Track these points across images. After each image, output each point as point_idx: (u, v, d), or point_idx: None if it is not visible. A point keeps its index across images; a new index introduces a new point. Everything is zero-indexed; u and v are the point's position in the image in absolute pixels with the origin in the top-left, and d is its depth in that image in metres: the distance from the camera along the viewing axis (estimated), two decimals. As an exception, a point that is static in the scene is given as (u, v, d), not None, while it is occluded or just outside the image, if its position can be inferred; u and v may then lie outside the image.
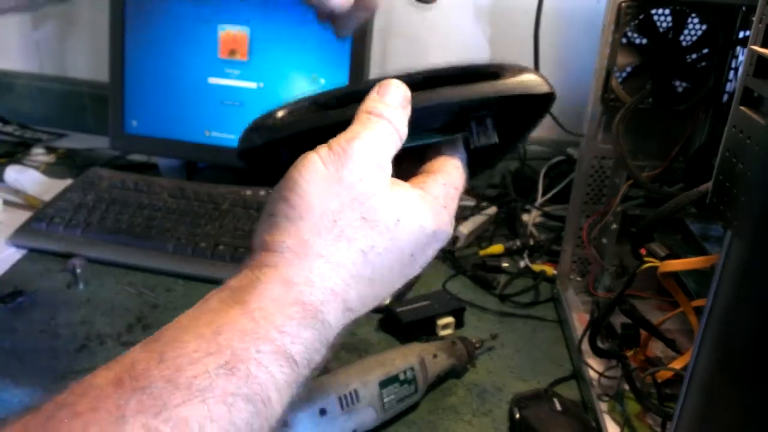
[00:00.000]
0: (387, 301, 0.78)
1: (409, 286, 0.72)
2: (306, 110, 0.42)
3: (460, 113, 0.42)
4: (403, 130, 0.39)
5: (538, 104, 0.43)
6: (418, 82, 0.41)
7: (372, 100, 0.39)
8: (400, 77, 0.41)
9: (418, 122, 0.40)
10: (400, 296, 0.72)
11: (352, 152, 0.36)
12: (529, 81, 0.41)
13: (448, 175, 0.42)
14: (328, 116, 0.40)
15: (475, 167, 0.45)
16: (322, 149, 0.37)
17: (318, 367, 0.35)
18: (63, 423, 0.28)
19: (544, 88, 0.41)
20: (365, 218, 0.36)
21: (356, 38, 0.95)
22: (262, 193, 0.95)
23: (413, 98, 0.40)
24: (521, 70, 0.41)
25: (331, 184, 0.36)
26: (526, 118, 0.44)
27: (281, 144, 0.41)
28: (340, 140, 0.37)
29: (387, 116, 0.38)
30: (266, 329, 0.33)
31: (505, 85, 0.40)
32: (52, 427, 0.28)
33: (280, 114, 0.42)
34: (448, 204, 0.41)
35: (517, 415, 0.62)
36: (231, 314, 0.33)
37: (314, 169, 0.36)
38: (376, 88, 0.40)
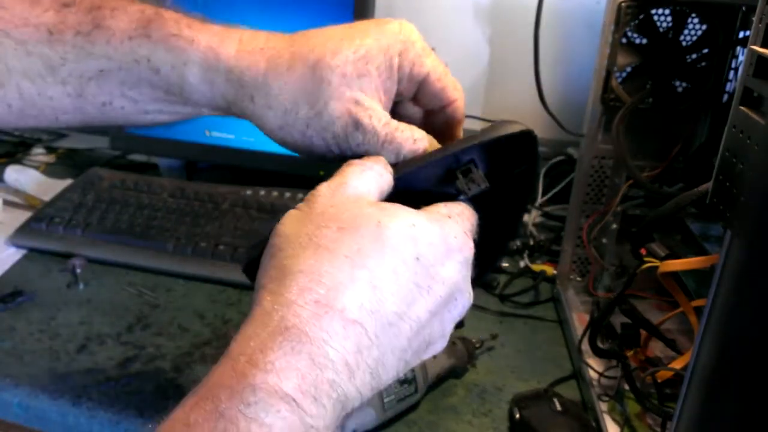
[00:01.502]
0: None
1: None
2: None
3: (446, 175, 0.43)
4: (383, 170, 0.40)
5: (523, 147, 0.44)
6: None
7: (349, 162, 0.40)
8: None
9: (409, 194, 0.41)
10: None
11: (321, 191, 0.37)
12: (501, 127, 0.43)
13: (452, 207, 0.41)
14: None
15: (492, 231, 0.45)
16: (300, 203, 0.38)
17: (341, 397, 0.32)
18: None
19: (515, 128, 0.43)
20: (341, 228, 0.35)
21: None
22: (263, 192, 0.95)
23: (398, 170, 0.41)
24: (501, 123, 0.43)
25: (304, 218, 0.36)
26: (518, 163, 0.45)
27: None
28: (315, 191, 0.38)
29: (366, 164, 0.39)
30: (250, 374, 0.30)
31: (483, 132, 0.42)
32: None
33: None
34: (456, 219, 0.39)
35: (517, 415, 0.62)
36: (220, 370, 0.32)
37: (290, 215, 0.37)
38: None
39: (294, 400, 0.30)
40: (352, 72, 0.41)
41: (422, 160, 0.42)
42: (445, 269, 0.36)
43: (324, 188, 0.38)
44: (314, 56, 0.41)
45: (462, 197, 0.42)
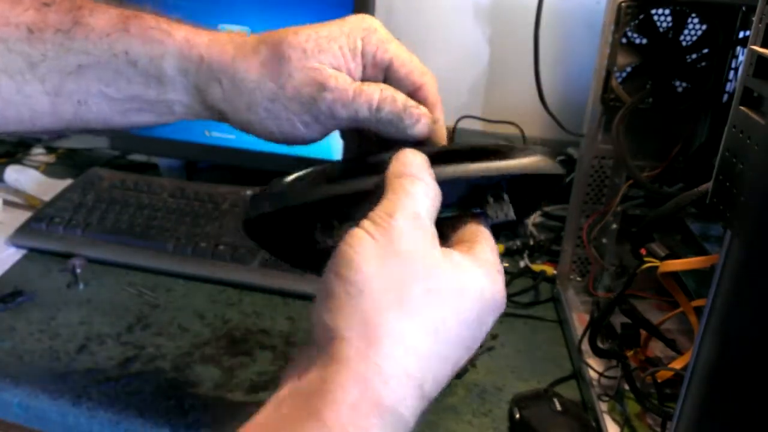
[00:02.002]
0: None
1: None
2: (317, 180, 0.41)
3: (473, 191, 0.42)
4: (437, 189, 0.38)
5: (548, 184, 0.45)
6: (432, 155, 0.41)
7: (396, 166, 0.38)
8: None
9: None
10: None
11: (398, 224, 0.35)
12: (544, 161, 0.42)
13: (489, 242, 0.40)
14: (345, 185, 0.40)
15: None
16: (366, 224, 0.35)
17: None
18: None
19: (558, 170, 0.43)
20: (429, 290, 0.34)
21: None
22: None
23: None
24: (530, 150, 0.43)
25: (387, 258, 0.34)
26: (534, 196, 0.46)
27: (292, 213, 0.41)
28: (380, 213, 0.35)
29: (418, 175, 0.37)
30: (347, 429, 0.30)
31: (523, 163, 0.41)
32: None
33: (290, 181, 0.42)
34: (501, 268, 0.39)
35: (517, 415, 0.62)
36: (306, 421, 0.31)
37: (366, 244, 0.34)
38: (395, 157, 0.39)
39: None
40: (313, 48, 0.43)
41: (455, 172, 0.40)
42: (488, 324, 0.38)
43: (402, 221, 0.35)
44: (277, 38, 0.43)
45: (484, 218, 0.42)
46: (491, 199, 0.42)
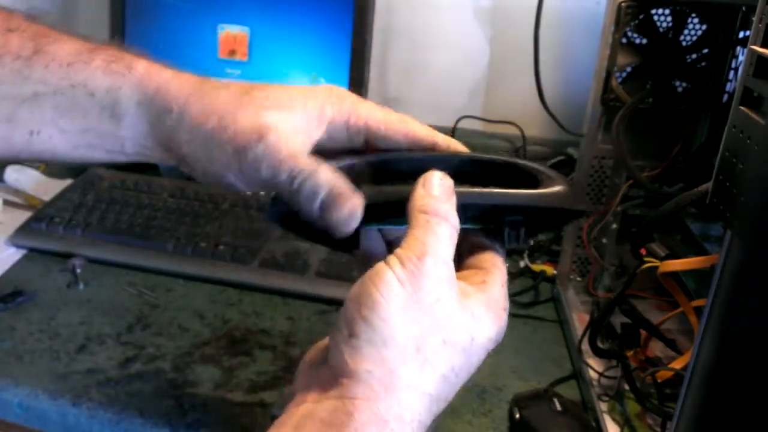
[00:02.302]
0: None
1: None
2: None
3: (493, 210, 0.42)
4: (457, 224, 0.39)
5: (569, 217, 0.44)
6: (454, 168, 0.42)
7: (423, 197, 0.39)
8: (435, 159, 0.42)
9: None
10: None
11: (426, 270, 0.36)
12: (566, 195, 0.42)
13: (502, 273, 0.41)
14: (375, 196, 0.41)
15: None
16: (395, 265, 0.36)
17: None
18: None
19: (582, 206, 0.43)
20: (445, 341, 0.36)
21: (356, 38, 0.95)
22: (263, 192, 0.95)
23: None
24: (555, 179, 0.43)
25: (411, 307, 0.35)
26: (551, 224, 0.45)
27: None
28: (410, 255, 0.36)
29: (443, 214, 0.38)
30: None
31: (542, 196, 0.41)
32: None
33: None
34: (506, 304, 0.40)
35: (517, 415, 0.62)
36: None
37: (393, 291, 0.35)
38: (421, 182, 0.39)
39: None
40: (273, 104, 0.42)
41: (478, 197, 0.41)
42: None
43: (430, 267, 0.36)
44: (244, 87, 0.43)
45: (498, 246, 0.42)
46: (507, 228, 0.42)
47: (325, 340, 0.39)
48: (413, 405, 0.35)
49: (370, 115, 0.44)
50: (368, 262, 0.39)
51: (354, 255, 0.45)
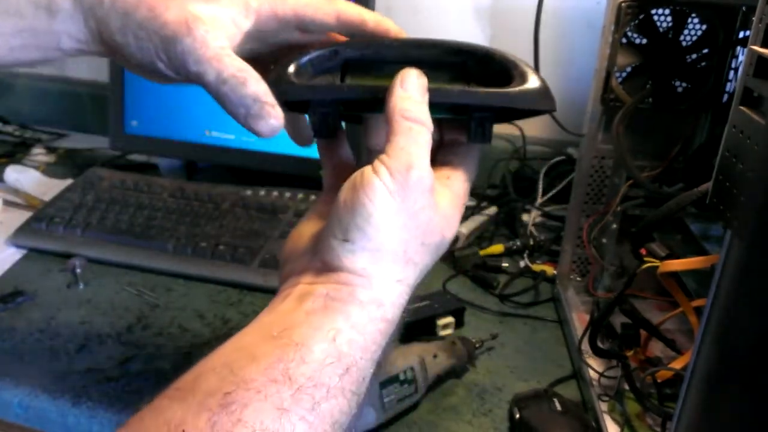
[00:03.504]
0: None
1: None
2: (318, 72, 0.44)
3: (463, 107, 0.43)
4: (431, 124, 0.41)
5: (538, 113, 0.45)
6: (433, 58, 0.44)
7: (403, 100, 0.41)
8: (411, 46, 0.44)
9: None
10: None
11: (413, 182, 0.39)
12: (537, 96, 0.43)
13: (468, 170, 0.45)
14: (354, 91, 0.43)
15: None
16: (385, 176, 0.39)
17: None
18: (238, 411, 0.33)
19: (549, 106, 0.43)
20: (424, 243, 0.41)
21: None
22: (262, 192, 0.95)
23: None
24: (528, 76, 0.43)
25: (400, 216, 0.39)
26: (519, 116, 0.46)
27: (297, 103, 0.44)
28: (398, 167, 0.39)
29: (423, 120, 0.41)
30: (365, 341, 0.38)
31: (513, 97, 0.42)
32: (230, 413, 0.32)
33: (293, 74, 0.43)
34: (466, 198, 0.45)
35: (517, 415, 0.62)
36: (339, 324, 0.38)
37: (384, 202, 0.39)
38: (399, 81, 0.41)
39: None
40: None
41: (454, 95, 0.42)
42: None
43: (416, 178, 0.39)
44: None
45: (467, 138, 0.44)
46: (474, 123, 0.43)
47: (301, 231, 0.44)
48: (400, 294, 0.41)
49: (297, 1, 0.45)
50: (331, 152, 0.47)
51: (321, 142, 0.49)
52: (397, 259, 0.40)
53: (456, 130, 0.46)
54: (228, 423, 0.32)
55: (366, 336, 0.38)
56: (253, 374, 0.34)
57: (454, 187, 0.44)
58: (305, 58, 0.44)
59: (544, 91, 0.43)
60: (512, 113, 0.45)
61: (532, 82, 0.43)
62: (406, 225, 0.40)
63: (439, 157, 0.45)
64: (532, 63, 0.77)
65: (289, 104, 0.43)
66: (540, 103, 0.43)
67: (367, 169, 0.40)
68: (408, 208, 0.39)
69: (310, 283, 0.40)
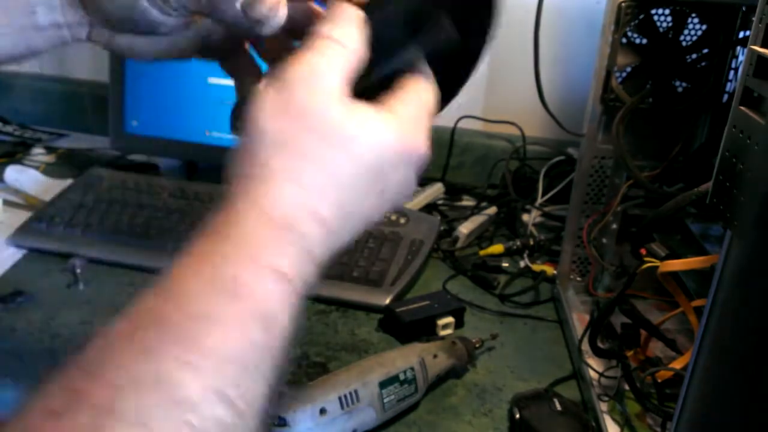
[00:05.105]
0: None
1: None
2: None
3: (415, 23, 0.41)
4: (358, 48, 0.38)
5: (488, 4, 0.42)
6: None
7: (320, 23, 0.39)
8: None
9: (379, 45, 0.40)
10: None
11: (296, 76, 0.36)
12: None
13: (415, 92, 0.40)
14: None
15: (446, 85, 0.43)
16: (268, 78, 0.37)
17: (312, 283, 0.36)
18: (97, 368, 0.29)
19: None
20: (322, 137, 0.36)
21: None
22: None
23: (367, 12, 0.39)
24: None
25: (280, 107, 0.36)
26: (480, 18, 0.43)
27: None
28: (284, 67, 0.37)
29: (336, 36, 0.38)
30: (253, 250, 0.34)
31: None
32: (89, 373, 0.29)
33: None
34: (419, 123, 0.40)
35: (517, 415, 0.62)
36: (217, 246, 0.34)
37: (262, 98, 0.36)
38: (327, 11, 0.39)
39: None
40: None
41: (387, 10, 0.40)
42: (397, 177, 0.39)
43: (297, 78, 0.37)
44: None
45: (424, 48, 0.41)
46: (432, 27, 0.40)
47: None
48: (292, 191, 0.35)
49: None
50: None
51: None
52: (282, 149, 0.36)
53: (408, 77, 0.41)
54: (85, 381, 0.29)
55: (241, 241, 0.34)
56: (121, 327, 0.32)
57: (392, 107, 0.39)
58: None
59: None
60: (465, 14, 0.41)
61: None
62: (289, 114, 0.36)
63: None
64: (532, 63, 0.77)
65: None
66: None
67: None
68: (290, 100, 0.36)
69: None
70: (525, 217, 1.01)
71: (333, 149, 0.36)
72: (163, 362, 0.30)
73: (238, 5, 0.40)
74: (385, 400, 0.60)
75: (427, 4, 0.40)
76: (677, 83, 0.71)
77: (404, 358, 0.63)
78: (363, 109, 0.38)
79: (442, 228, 0.96)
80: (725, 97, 0.71)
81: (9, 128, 1.31)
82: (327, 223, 0.36)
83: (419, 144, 0.39)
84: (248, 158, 0.36)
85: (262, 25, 0.40)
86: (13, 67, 1.34)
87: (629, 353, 0.63)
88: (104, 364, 0.30)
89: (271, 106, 0.36)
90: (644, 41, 0.70)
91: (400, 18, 0.41)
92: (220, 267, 0.33)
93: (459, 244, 0.94)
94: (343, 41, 0.38)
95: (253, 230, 0.34)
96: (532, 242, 0.94)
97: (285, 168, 0.36)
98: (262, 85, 0.37)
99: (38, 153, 1.21)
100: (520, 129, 1.08)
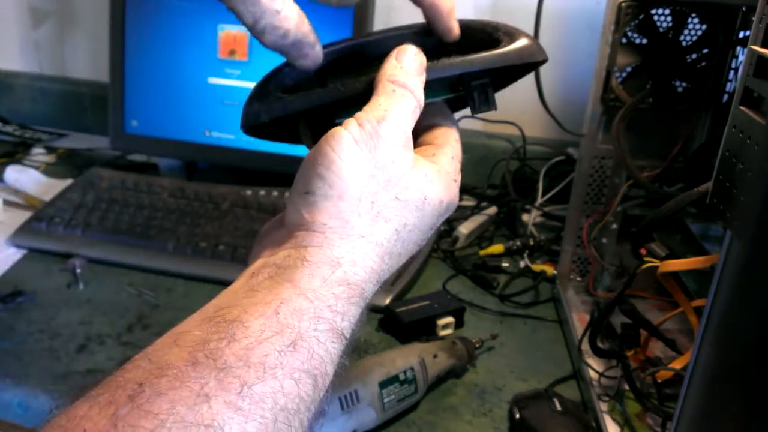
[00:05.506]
0: (387, 301, 0.78)
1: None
2: (314, 80, 0.43)
3: (460, 79, 0.43)
4: (422, 100, 0.40)
5: (529, 67, 0.45)
6: (427, 45, 0.42)
7: (393, 68, 0.39)
8: (409, 33, 0.43)
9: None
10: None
11: (383, 133, 0.37)
12: (529, 49, 0.42)
13: (453, 148, 0.43)
14: (340, 90, 0.40)
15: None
16: (352, 126, 0.37)
17: (355, 335, 0.38)
18: (148, 401, 0.28)
19: (543, 56, 0.43)
20: (398, 198, 0.38)
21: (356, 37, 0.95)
22: (263, 192, 0.95)
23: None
24: (515, 33, 0.43)
25: (366, 165, 0.37)
26: (515, 77, 0.46)
27: (286, 120, 0.42)
28: (369, 118, 0.37)
29: (410, 87, 0.39)
30: (320, 309, 0.34)
31: (508, 54, 0.42)
32: (139, 405, 0.28)
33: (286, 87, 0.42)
34: (457, 177, 0.42)
35: (517, 415, 0.62)
36: (285, 293, 0.34)
37: (349, 150, 0.36)
38: (395, 54, 0.40)
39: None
40: None
41: (449, 66, 0.41)
42: (437, 226, 0.42)
43: (387, 131, 0.37)
44: None
45: (453, 122, 0.44)
46: (476, 93, 0.42)
47: (281, 214, 0.40)
48: (366, 252, 0.37)
49: None
50: None
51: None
52: (363, 210, 0.37)
53: (435, 115, 0.44)
54: (134, 416, 0.27)
55: (318, 303, 0.34)
56: (172, 360, 0.30)
57: (440, 161, 0.41)
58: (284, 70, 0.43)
59: (535, 44, 0.43)
60: (510, 73, 0.44)
61: (522, 39, 0.43)
62: (374, 175, 0.37)
63: (421, 140, 0.43)
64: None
65: (274, 122, 0.41)
66: (535, 56, 0.42)
67: (337, 126, 0.37)
68: (376, 158, 0.37)
69: (269, 255, 0.37)
70: (525, 217, 1.01)
71: (407, 210, 0.39)
72: (213, 405, 0.29)
73: (279, 48, 0.42)
74: (385, 400, 0.60)
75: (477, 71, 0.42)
76: (677, 83, 0.71)
77: (404, 358, 0.63)
78: (424, 164, 0.40)
79: (442, 228, 0.96)
80: (725, 97, 0.71)
81: (9, 128, 1.31)
82: (382, 281, 0.39)
83: (456, 195, 0.42)
84: (329, 209, 0.37)
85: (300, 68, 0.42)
86: (13, 67, 1.34)
87: (629, 353, 0.63)
88: (153, 400, 0.28)
89: (358, 161, 0.37)
90: (644, 41, 0.70)
91: (449, 77, 0.42)
92: (287, 319, 0.33)
93: (459, 244, 0.94)
94: (416, 93, 0.39)
95: (328, 290, 0.35)
96: (532, 242, 0.94)
97: (366, 233, 0.37)
98: (347, 132, 0.37)
99: (38, 153, 1.21)
100: (520, 129, 1.08)
